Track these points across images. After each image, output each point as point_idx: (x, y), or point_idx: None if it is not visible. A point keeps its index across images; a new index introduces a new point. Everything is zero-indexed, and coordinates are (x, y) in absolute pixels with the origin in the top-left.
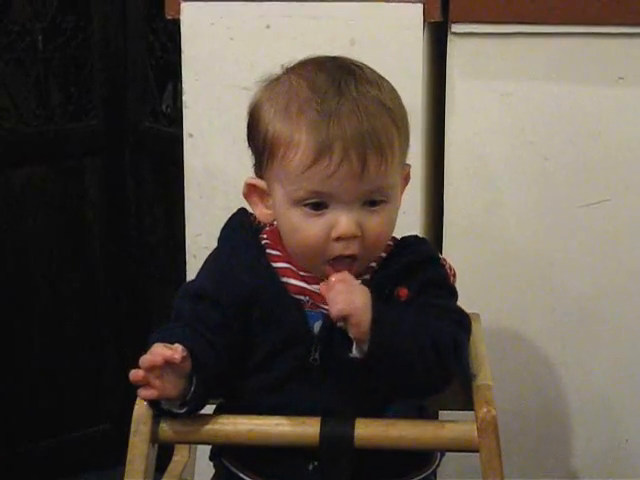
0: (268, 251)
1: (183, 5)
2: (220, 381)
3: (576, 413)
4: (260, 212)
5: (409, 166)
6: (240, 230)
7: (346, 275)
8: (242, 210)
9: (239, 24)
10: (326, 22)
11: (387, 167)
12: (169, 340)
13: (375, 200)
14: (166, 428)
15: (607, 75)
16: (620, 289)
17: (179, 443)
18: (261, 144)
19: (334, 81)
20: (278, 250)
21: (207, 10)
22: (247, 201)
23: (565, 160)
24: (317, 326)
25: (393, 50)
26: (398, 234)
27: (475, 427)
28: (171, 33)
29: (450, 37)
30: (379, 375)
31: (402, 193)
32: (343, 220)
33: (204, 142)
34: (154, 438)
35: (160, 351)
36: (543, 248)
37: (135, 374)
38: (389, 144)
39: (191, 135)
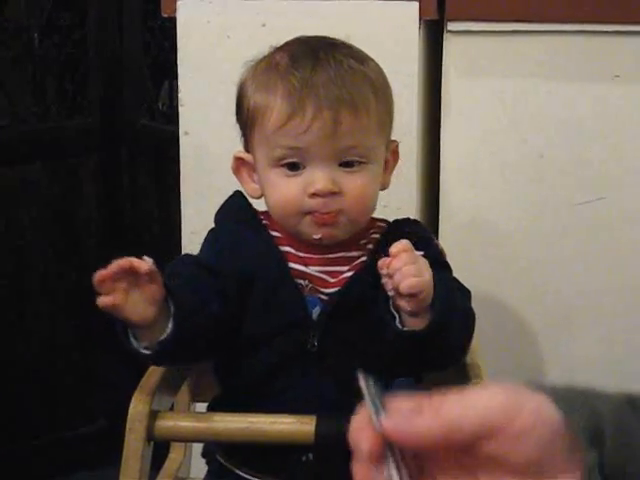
0: (271, 232)
1: (179, 3)
2: (204, 341)
3: None
4: (248, 187)
5: (396, 142)
6: (239, 211)
7: (407, 244)
8: (238, 192)
9: (235, 22)
10: (322, 20)
11: (362, 126)
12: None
13: (351, 161)
14: (162, 426)
15: (603, 73)
16: (616, 286)
17: (175, 441)
18: (244, 118)
19: (314, 51)
20: (278, 232)
21: (203, 8)
22: (236, 176)
23: (561, 158)
24: (315, 312)
25: (389, 48)
26: None
27: None
28: (167, 31)
29: (446, 35)
30: (424, 347)
31: (392, 171)
32: (319, 176)
33: (200, 140)
34: (149, 436)
35: (131, 259)
36: (539, 246)
37: (99, 273)
38: (364, 105)
39: (187, 133)
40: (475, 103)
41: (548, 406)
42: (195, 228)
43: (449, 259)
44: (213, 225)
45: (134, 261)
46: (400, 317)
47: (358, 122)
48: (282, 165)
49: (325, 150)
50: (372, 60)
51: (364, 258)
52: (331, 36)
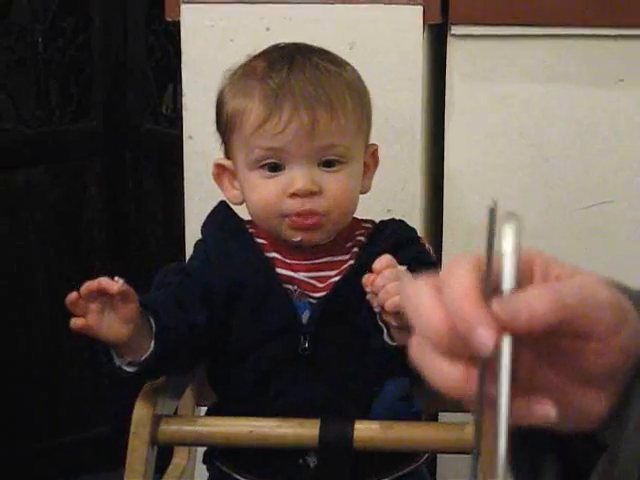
0: (257, 240)
1: (183, 7)
2: (191, 352)
3: None
4: (229, 193)
5: (375, 145)
6: (225, 220)
7: (390, 260)
8: (223, 203)
9: (239, 26)
10: (326, 24)
11: (339, 125)
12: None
13: (330, 160)
14: (165, 430)
15: (607, 77)
16: None
17: (178, 445)
18: (224, 124)
19: (290, 55)
20: (264, 239)
21: (207, 12)
22: (216, 182)
23: (565, 162)
24: (305, 316)
25: (393, 52)
26: None
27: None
28: (171, 35)
29: (450, 39)
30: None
31: (372, 175)
32: (298, 176)
33: (204, 144)
34: (153, 440)
35: (102, 280)
36: (545, 249)
37: (70, 295)
38: (341, 104)
39: (191, 137)
40: (479, 107)
41: (614, 296)
42: (199, 231)
43: None
44: None
45: (104, 282)
46: (388, 330)
47: (335, 121)
48: (261, 167)
49: (303, 149)
50: (349, 65)
51: (351, 262)
52: (305, 43)
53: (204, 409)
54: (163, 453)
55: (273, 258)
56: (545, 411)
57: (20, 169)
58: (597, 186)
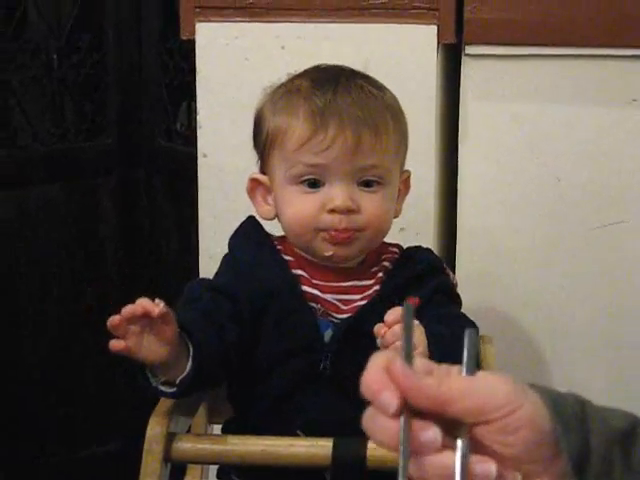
0: (282, 256)
1: (198, 25)
2: (222, 369)
3: None
4: (262, 209)
5: (408, 172)
6: (252, 235)
7: (400, 311)
8: (251, 217)
9: (254, 45)
10: (340, 43)
11: (382, 147)
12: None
13: (370, 180)
14: (179, 448)
15: (621, 97)
16: (636, 312)
17: (191, 463)
18: (263, 141)
19: (335, 76)
20: (291, 256)
21: (222, 30)
22: (250, 197)
23: (578, 181)
24: (327, 335)
25: (407, 71)
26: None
27: None
28: (186, 53)
29: (464, 59)
30: None
31: (402, 201)
32: (338, 193)
33: (218, 162)
34: (167, 458)
35: (144, 302)
36: (557, 269)
37: (112, 320)
38: (384, 127)
39: (205, 155)
40: (493, 127)
41: (544, 413)
42: (213, 249)
43: (466, 282)
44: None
45: (146, 305)
46: None
47: (379, 143)
48: (301, 182)
49: (345, 167)
50: (388, 90)
51: (376, 287)
52: (348, 66)
53: (217, 427)
54: (176, 470)
55: (299, 275)
56: (487, 469)
57: (35, 186)
58: (610, 206)
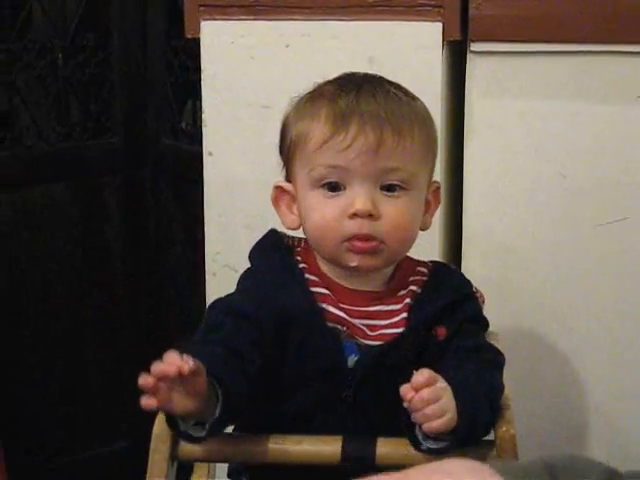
0: (306, 276)
1: (203, 24)
2: (248, 405)
3: (595, 432)
4: (287, 218)
5: (438, 183)
6: (275, 251)
7: (430, 376)
8: (273, 231)
9: (259, 43)
10: (345, 41)
11: (405, 149)
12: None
13: (393, 185)
14: (186, 446)
15: (626, 93)
16: None
17: (198, 461)
18: (287, 148)
19: (361, 81)
20: (316, 275)
21: (227, 29)
22: (275, 207)
23: (584, 178)
24: (352, 360)
25: (412, 68)
26: (418, 250)
27: (494, 446)
28: (191, 51)
29: (469, 55)
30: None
31: (433, 213)
32: (359, 197)
33: (224, 160)
34: (173, 456)
35: (175, 360)
36: (562, 266)
37: (145, 381)
38: (408, 130)
39: (211, 153)
40: (498, 124)
41: None
42: (219, 248)
43: (471, 279)
44: (235, 244)
45: (178, 364)
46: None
47: (402, 144)
48: (322, 186)
49: (367, 169)
50: (419, 99)
51: (404, 315)
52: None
53: None
54: (183, 469)
55: (324, 295)
56: None
57: (40, 185)
58: (615, 203)
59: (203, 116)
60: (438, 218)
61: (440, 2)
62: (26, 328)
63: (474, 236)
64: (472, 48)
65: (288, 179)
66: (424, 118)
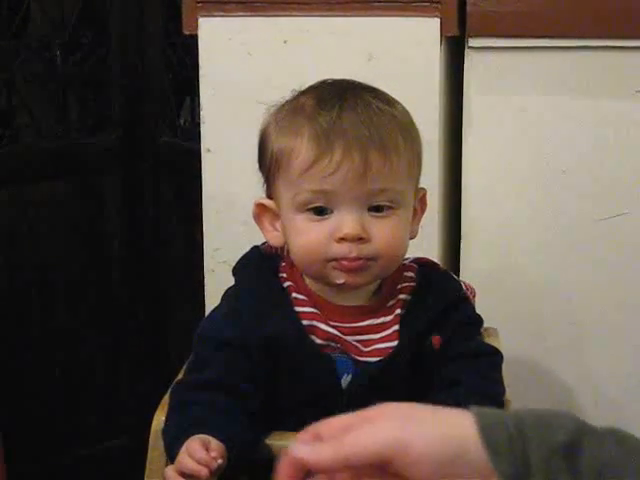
0: (293, 295)
1: (201, 21)
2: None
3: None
4: (270, 235)
5: (424, 190)
6: (258, 271)
7: None
8: (255, 248)
9: (256, 39)
10: (343, 37)
11: (392, 168)
12: (203, 426)
13: (380, 205)
14: None
15: (625, 88)
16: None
17: None
18: (268, 163)
19: (340, 92)
20: (302, 293)
21: (225, 26)
22: (257, 223)
23: (582, 173)
24: (345, 381)
25: (410, 64)
26: (418, 248)
27: None
28: (189, 48)
29: (467, 51)
30: None
31: (419, 221)
32: (348, 221)
33: (222, 157)
34: None
35: (206, 461)
36: (561, 261)
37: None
38: (394, 147)
39: (209, 150)
40: (497, 119)
41: (435, 444)
42: (217, 245)
43: (470, 276)
44: (234, 241)
45: (210, 465)
46: None
47: (388, 164)
48: (308, 210)
49: (354, 193)
50: (399, 103)
51: (395, 328)
52: (356, 80)
53: None
54: None
55: (312, 313)
56: None
57: (38, 182)
58: (614, 198)
59: (201, 113)
60: (437, 215)
61: None
62: (25, 326)
63: (472, 232)
64: (470, 44)
65: (269, 194)
66: (407, 128)
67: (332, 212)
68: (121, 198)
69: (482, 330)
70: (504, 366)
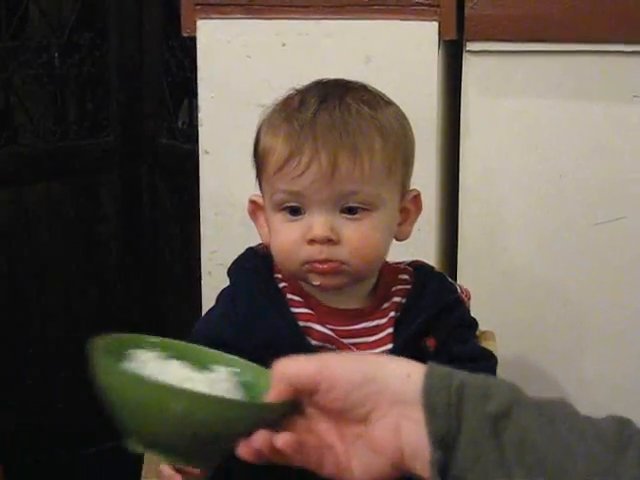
0: (289, 296)
1: (199, 23)
2: None
3: None
4: (262, 230)
5: (416, 191)
6: (254, 273)
7: None
8: (250, 250)
9: (255, 42)
10: (342, 40)
11: (363, 171)
12: None
13: (353, 207)
14: None
15: (621, 93)
16: (636, 307)
17: None
18: (256, 160)
19: (322, 94)
20: (297, 294)
21: (223, 28)
22: (251, 219)
23: (580, 177)
24: None
25: (408, 68)
26: (414, 250)
27: None
28: (187, 50)
29: (465, 55)
30: None
31: (413, 222)
32: (317, 223)
33: (220, 159)
34: None
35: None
36: (558, 265)
37: None
38: (367, 149)
39: (207, 152)
40: (494, 123)
41: (347, 367)
42: (214, 247)
43: (467, 279)
44: (231, 242)
45: None
46: None
47: (359, 167)
48: (283, 209)
49: (323, 195)
50: (391, 105)
51: (390, 330)
52: (350, 80)
53: None
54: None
55: (308, 314)
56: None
57: (37, 183)
58: (611, 202)
59: (199, 115)
60: (434, 218)
61: (436, 1)
62: (23, 326)
63: (470, 236)
64: (468, 47)
65: (261, 191)
66: (389, 131)
67: (305, 212)
68: (119, 199)
69: (478, 334)
70: (500, 369)
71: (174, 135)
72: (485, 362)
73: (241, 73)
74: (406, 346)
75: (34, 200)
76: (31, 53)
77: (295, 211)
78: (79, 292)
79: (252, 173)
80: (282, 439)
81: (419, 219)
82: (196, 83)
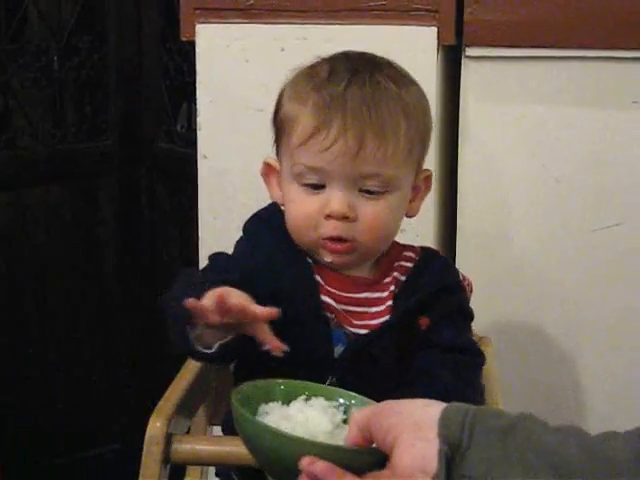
0: (305, 257)
1: (198, 27)
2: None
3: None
4: (275, 193)
5: (429, 171)
6: (276, 228)
7: None
8: (275, 205)
9: (254, 46)
10: (340, 45)
11: (387, 153)
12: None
13: (372, 190)
14: (178, 449)
15: (621, 99)
16: (634, 313)
17: (191, 464)
18: (277, 125)
19: (353, 68)
20: (309, 258)
21: (222, 32)
22: (264, 179)
23: (578, 183)
24: (338, 350)
25: None
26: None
27: None
28: (186, 54)
29: (464, 60)
30: None
31: (422, 199)
32: (336, 198)
33: (218, 163)
34: (166, 459)
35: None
36: (556, 271)
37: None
38: (393, 131)
39: (205, 156)
40: (493, 128)
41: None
42: (213, 250)
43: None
44: (229, 247)
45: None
46: None
47: (383, 149)
48: (303, 184)
49: (345, 172)
50: (414, 85)
51: (389, 303)
52: (375, 54)
53: (216, 428)
54: (175, 471)
55: (317, 282)
56: None
57: (35, 187)
58: (609, 208)
59: (198, 119)
60: (432, 223)
61: (435, 7)
62: (22, 328)
63: (468, 239)
64: (467, 53)
65: (276, 154)
66: (412, 110)
67: (325, 187)
68: (117, 202)
69: (476, 339)
70: (498, 373)
71: (173, 139)
72: (472, 357)
73: (240, 77)
74: (400, 321)
75: (33, 203)
76: (30, 56)
77: (315, 186)
78: (78, 294)
79: (250, 177)
80: None
81: (417, 224)
82: (195, 87)
